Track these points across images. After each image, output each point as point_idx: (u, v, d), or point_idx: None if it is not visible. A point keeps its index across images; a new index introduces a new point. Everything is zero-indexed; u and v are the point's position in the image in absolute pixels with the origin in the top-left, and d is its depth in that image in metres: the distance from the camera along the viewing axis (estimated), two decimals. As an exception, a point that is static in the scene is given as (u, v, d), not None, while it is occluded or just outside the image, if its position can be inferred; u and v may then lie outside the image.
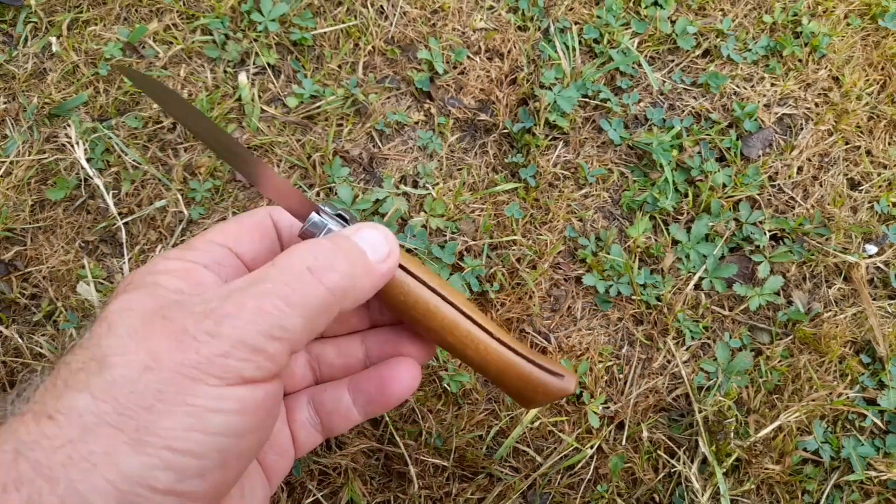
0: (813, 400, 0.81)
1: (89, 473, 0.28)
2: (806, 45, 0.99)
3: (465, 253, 0.85)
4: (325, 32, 0.94)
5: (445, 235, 0.86)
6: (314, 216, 0.41)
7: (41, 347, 0.79)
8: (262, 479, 0.43)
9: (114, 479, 0.28)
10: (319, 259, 0.35)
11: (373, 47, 0.94)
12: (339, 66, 0.93)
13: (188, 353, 0.31)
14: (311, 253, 0.35)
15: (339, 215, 0.43)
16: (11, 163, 0.86)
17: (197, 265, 0.38)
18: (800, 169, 0.93)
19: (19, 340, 0.79)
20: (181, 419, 0.30)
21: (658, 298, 0.85)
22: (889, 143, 0.96)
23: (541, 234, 0.87)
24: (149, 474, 0.29)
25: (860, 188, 0.93)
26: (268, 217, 0.43)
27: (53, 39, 0.92)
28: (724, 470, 0.77)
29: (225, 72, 0.92)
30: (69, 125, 0.87)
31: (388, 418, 0.78)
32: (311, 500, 0.76)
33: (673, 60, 0.98)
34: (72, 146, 0.86)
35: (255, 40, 0.93)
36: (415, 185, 0.89)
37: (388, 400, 0.44)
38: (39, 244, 0.84)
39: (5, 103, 0.89)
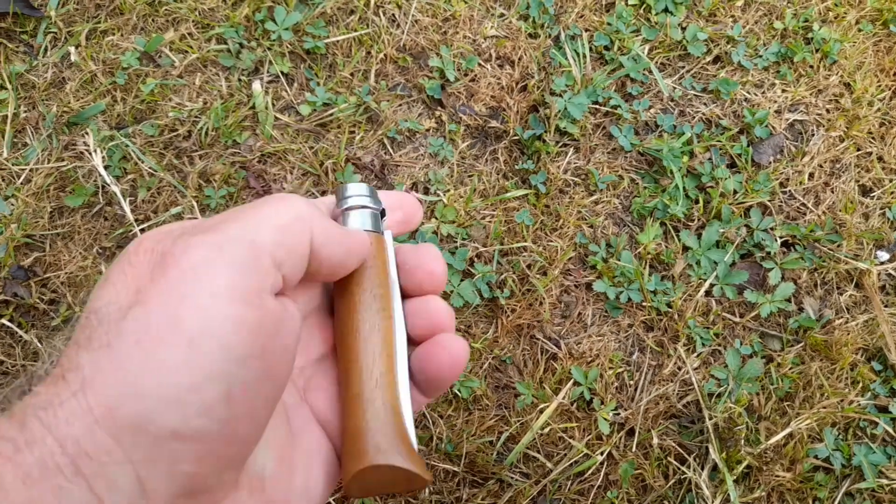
0: (824, 407, 0.81)
1: (92, 430, 0.27)
2: (817, 51, 0.99)
3: (475, 259, 0.86)
4: (338, 41, 0.95)
5: (456, 242, 0.87)
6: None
7: (59, 352, 0.80)
8: (325, 467, 0.38)
9: (115, 432, 0.27)
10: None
11: (385, 55, 0.95)
12: (352, 74, 0.94)
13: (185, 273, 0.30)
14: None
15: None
16: (31, 170, 0.88)
17: None
18: (811, 175, 0.93)
19: (38, 345, 0.81)
20: (175, 352, 0.28)
21: (668, 305, 0.85)
22: (901, 150, 0.96)
23: (551, 241, 0.88)
24: (154, 411, 0.27)
25: (872, 194, 0.93)
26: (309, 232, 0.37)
27: (72, 49, 0.93)
28: (735, 477, 0.77)
29: (239, 80, 0.93)
30: (87, 133, 0.89)
31: (399, 423, 0.78)
32: (323, 503, 0.77)
33: (683, 67, 0.99)
34: (90, 154, 0.88)
35: (269, 49, 0.94)
36: (426, 191, 0.90)
37: (428, 380, 0.40)
38: (58, 250, 0.86)
39: (25, 112, 0.90)
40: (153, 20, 0.95)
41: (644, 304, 0.85)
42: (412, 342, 0.41)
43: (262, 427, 0.32)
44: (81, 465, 0.26)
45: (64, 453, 0.26)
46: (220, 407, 0.28)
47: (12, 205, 0.86)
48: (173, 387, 0.28)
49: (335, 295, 0.40)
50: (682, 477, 0.79)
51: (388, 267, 0.41)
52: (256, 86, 0.93)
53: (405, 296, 0.43)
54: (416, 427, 0.79)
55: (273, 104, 0.92)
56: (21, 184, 0.87)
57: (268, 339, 0.30)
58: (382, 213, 0.42)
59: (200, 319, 0.29)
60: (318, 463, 0.37)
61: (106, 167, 0.87)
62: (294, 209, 0.34)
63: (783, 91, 0.97)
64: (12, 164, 0.88)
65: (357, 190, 0.41)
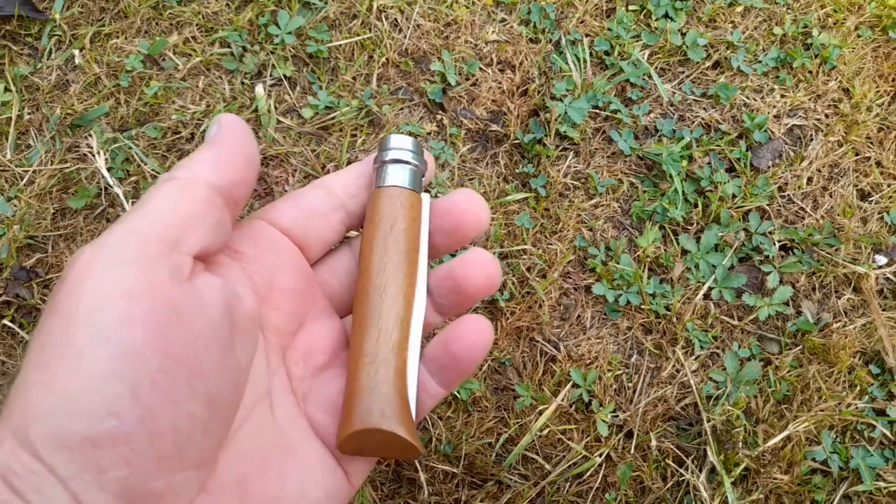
0: (822, 410, 0.81)
1: (15, 453, 0.26)
2: (816, 56, 1.00)
3: (475, 262, 0.87)
4: (341, 45, 0.96)
5: (457, 244, 0.87)
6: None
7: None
8: (324, 476, 0.37)
9: (35, 451, 0.26)
10: None
11: (387, 59, 0.96)
12: (354, 78, 0.95)
13: None
14: None
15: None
16: (34, 172, 0.88)
17: None
18: (809, 180, 0.94)
19: (41, 345, 0.81)
20: (67, 362, 0.27)
21: (667, 308, 0.86)
22: (899, 155, 0.96)
23: (551, 244, 0.88)
24: (61, 422, 0.26)
25: (870, 199, 0.94)
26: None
27: (76, 52, 0.94)
28: (733, 479, 0.77)
29: (242, 83, 0.94)
30: (91, 135, 0.90)
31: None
32: (323, 504, 0.77)
33: (683, 72, 0.99)
34: (93, 156, 0.88)
35: (272, 53, 0.95)
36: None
37: (456, 362, 0.38)
38: (60, 251, 0.86)
39: (29, 114, 0.91)
40: (157, 24, 0.96)
41: (643, 306, 0.86)
42: (441, 313, 0.41)
43: (195, 418, 0.30)
44: (15, 484, 0.26)
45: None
46: (129, 404, 0.27)
47: (15, 206, 0.87)
48: (72, 396, 0.27)
49: (364, 248, 0.38)
50: (681, 479, 0.79)
51: (421, 231, 0.39)
52: (259, 89, 0.94)
53: (441, 252, 0.41)
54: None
55: (276, 107, 0.93)
56: (24, 185, 0.88)
57: (167, 326, 0.29)
58: (424, 173, 0.40)
59: (85, 323, 0.28)
60: (316, 472, 0.36)
61: (109, 169, 0.88)
62: (176, 181, 0.33)
63: (782, 96, 0.98)
64: (16, 166, 0.88)
65: (400, 143, 0.39)
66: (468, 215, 0.40)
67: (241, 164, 0.35)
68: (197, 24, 0.96)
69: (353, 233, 0.43)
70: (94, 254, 0.29)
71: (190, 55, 0.94)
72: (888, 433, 0.81)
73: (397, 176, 0.39)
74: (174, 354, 0.29)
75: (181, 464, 0.29)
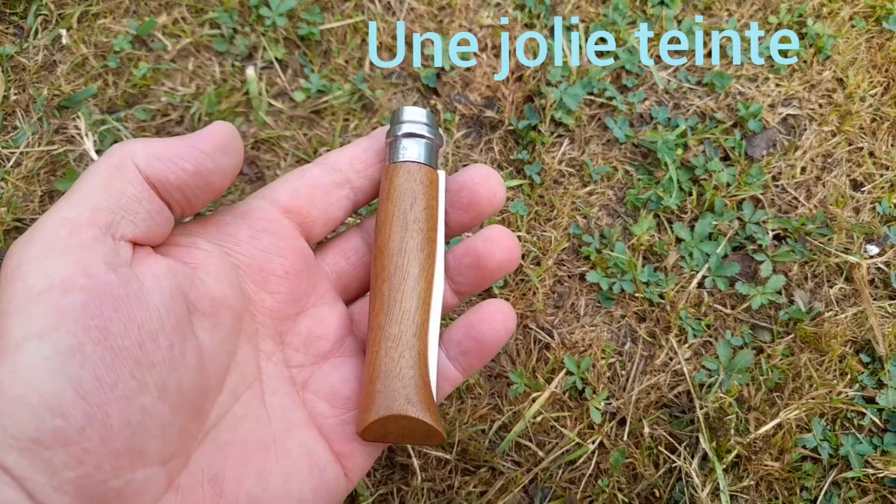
0: (813, 398, 0.82)
1: None
2: (811, 46, 1.00)
3: (469, 248, 0.86)
4: (333, 28, 0.95)
5: (451, 231, 0.87)
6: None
7: None
8: (315, 471, 0.35)
9: None
10: None
11: (380, 43, 0.95)
12: (346, 62, 0.94)
13: None
14: None
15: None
16: (21, 154, 0.87)
17: None
18: (803, 169, 0.94)
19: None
20: (5, 366, 0.26)
21: (661, 296, 0.86)
22: (892, 145, 0.97)
23: (545, 231, 0.88)
24: (6, 423, 0.25)
25: (862, 189, 0.94)
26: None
27: (63, 32, 0.92)
28: (724, 466, 0.78)
29: (233, 66, 0.93)
30: (78, 117, 0.88)
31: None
32: (315, 490, 0.76)
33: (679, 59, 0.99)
34: (81, 138, 0.87)
35: (263, 35, 0.93)
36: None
37: (480, 346, 0.38)
38: (48, 235, 0.85)
39: (16, 94, 0.89)
40: (146, 4, 0.94)
41: (637, 294, 0.86)
42: (458, 293, 0.40)
43: (150, 412, 0.28)
44: None
45: None
46: (73, 402, 0.26)
47: (2, 188, 0.85)
48: (13, 396, 0.25)
49: (382, 226, 0.37)
50: (673, 466, 0.79)
51: (439, 209, 0.38)
52: (250, 71, 0.92)
53: (455, 231, 0.40)
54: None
55: (267, 90, 0.92)
56: (11, 167, 0.86)
57: (105, 318, 0.27)
58: (440, 147, 0.38)
59: (18, 320, 0.26)
60: (303, 469, 0.35)
61: (97, 151, 0.86)
62: (110, 160, 0.31)
63: (777, 85, 0.98)
64: (2, 148, 0.87)
65: (414, 115, 0.38)
66: (484, 191, 0.39)
67: (188, 172, 0.33)
68: (186, 5, 0.94)
69: (348, 221, 0.43)
70: (26, 246, 0.28)
71: (179, 36, 0.93)
72: (877, 421, 0.82)
73: (413, 150, 0.37)
74: (116, 347, 0.27)
75: (142, 460, 0.28)
